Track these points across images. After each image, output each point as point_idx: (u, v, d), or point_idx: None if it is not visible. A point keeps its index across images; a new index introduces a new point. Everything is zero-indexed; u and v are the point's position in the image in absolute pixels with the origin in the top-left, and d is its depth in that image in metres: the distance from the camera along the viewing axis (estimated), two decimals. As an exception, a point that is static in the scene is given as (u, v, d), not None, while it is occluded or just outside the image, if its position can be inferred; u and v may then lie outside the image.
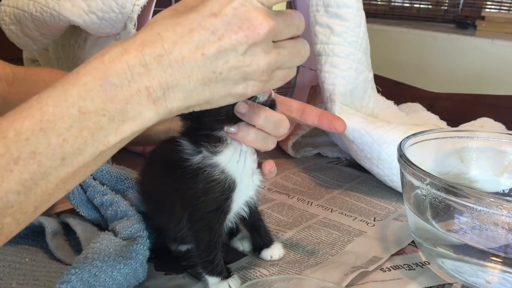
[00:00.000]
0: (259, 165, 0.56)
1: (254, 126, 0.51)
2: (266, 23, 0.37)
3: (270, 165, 0.57)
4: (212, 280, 0.53)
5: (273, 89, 0.51)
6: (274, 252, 0.61)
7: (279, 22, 0.39)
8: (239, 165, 0.53)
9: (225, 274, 0.54)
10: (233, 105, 0.49)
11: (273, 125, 0.51)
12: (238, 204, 0.55)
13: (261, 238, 0.62)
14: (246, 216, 0.59)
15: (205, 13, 0.35)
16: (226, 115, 0.49)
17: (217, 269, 0.53)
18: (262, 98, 0.51)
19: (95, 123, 0.35)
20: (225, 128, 0.51)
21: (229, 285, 0.53)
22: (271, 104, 0.52)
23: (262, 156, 0.57)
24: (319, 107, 0.96)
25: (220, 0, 0.36)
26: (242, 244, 0.64)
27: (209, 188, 0.51)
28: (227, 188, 0.52)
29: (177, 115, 0.45)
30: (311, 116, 0.68)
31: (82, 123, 0.35)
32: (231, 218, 0.56)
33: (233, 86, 0.39)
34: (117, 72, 0.35)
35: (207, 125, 0.51)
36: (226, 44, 0.36)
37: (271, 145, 0.53)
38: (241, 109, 0.48)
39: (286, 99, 0.65)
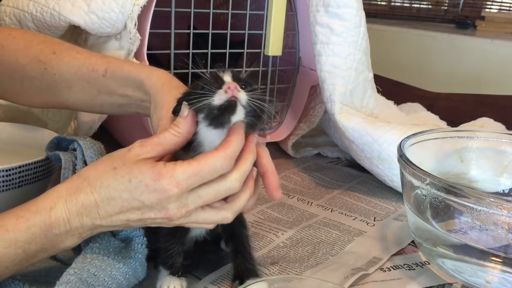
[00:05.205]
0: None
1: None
2: (179, 214, 0.47)
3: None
4: (163, 273, 0.54)
5: (242, 90, 0.47)
6: None
7: (190, 193, 0.47)
8: None
9: (177, 272, 0.54)
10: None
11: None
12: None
13: (244, 262, 0.54)
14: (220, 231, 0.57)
15: (135, 195, 0.46)
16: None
17: (169, 263, 0.54)
18: (218, 100, 0.46)
19: (33, 256, 0.47)
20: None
21: (176, 278, 0.54)
22: (231, 105, 0.47)
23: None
24: (319, 107, 0.97)
25: (146, 186, 0.45)
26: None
27: None
28: None
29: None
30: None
31: (24, 258, 0.46)
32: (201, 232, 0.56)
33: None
34: (59, 226, 0.46)
35: None
36: (146, 217, 0.47)
37: None
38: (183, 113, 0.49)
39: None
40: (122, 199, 0.46)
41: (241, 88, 0.48)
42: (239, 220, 0.56)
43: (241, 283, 0.53)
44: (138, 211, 0.47)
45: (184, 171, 0.45)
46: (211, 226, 0.51)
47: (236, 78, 0.50)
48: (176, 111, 0.50)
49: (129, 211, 0.47)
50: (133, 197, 0.46)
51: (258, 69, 0.92)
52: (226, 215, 0.49)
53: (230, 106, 0.47)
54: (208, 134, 0.49)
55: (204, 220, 0.49)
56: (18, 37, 0.70)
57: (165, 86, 0.59)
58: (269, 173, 0.53)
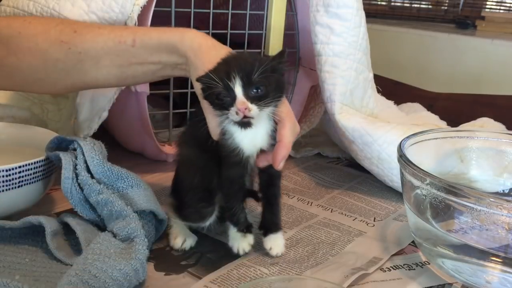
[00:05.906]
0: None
1: None
2: None
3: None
4: (232, 230, 0.59)
5: (254, 103, 0.53)
6: (275, 247, 0.61)
7: None
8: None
9: (243, 229, 0.59)
10: None
11: None
12: (250, 150, 0.57)
13: (271, 216, 0.61)
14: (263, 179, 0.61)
15: None
16: None
17: (235, 219, 0.59)
18: (234, 118, 0.53)
19: None
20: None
21: (244, 237, 0.59)
22: (245, 123, 0.55)
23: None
24: (319, 107, 0.97)
25: None
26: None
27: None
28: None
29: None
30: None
31: None
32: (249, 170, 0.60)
33: None
34: None
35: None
36: None
37: None
38: None
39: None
40: None
41: (254, 98, 0.53)
42: (278, 171, 0.60)
43: (265, 234, 0.61)
44: None
45: None
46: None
47: (246, 88, 0.53)
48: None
49: None
50: None
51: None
52: None
53: (245, 123, 0.54)
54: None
55: None
56: (34, 22, 0.68)
57: (202, 47, 0.60)
58: (280, 143, 0.57)
